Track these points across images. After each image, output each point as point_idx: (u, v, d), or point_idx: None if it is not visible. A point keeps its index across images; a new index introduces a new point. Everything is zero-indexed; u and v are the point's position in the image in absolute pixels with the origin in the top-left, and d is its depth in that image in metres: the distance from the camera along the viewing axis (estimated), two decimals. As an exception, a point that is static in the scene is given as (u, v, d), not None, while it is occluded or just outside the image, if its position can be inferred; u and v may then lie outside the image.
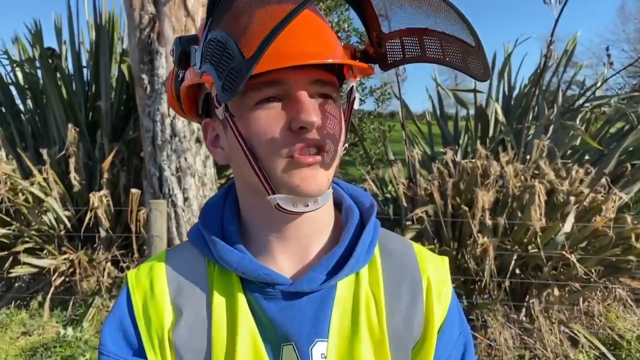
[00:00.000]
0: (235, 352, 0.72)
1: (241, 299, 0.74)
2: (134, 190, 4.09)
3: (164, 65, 4.18)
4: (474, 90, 5.49)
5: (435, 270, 0.82)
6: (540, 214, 3.52)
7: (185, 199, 4.24)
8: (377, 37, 0.75)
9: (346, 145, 0.76)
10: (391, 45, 0.74)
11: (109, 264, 4.49)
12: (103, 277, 4.35)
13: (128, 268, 4.42)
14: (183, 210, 4.21)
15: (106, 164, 4.62)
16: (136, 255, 4.31)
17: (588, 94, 5.70)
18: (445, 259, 0.85)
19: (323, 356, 0.73)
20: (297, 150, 0.67)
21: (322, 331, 0.73)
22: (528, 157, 4.19)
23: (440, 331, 0.79)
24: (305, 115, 0.65)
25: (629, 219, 3.64)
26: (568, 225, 3.58)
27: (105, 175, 4.64)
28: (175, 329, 0.74)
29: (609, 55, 5.81)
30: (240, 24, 0.60)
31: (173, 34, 4.14)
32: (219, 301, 0.74)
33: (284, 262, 0.77)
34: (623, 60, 26.53)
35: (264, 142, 0.68)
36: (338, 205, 0.84)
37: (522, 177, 3.88)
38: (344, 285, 0.76)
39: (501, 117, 5.03)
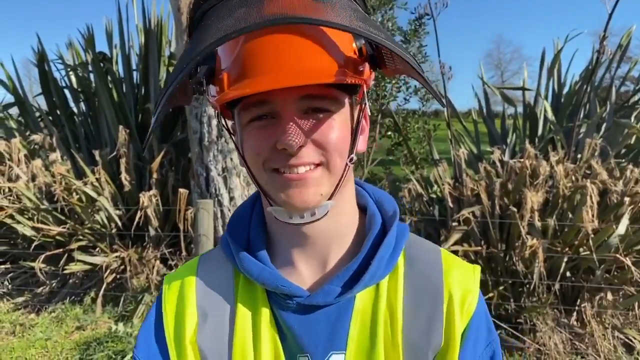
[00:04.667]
0: None
1: (264, 309, 0.76)
2: (181, 190, 4.19)
3: (211, 67, 4.24)
4: (522, 88, 5.36)
5: (459, 280, 0.79)
6: (593, 215, 3.41)
7: (231, 199, 4.31)
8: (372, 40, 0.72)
9: (353, 156, 0.72)
10: (385, 50, 0.71)
11: (157, 261, 4.62)
12: (152, 274, 4.47)
13: (176, 266, 4.53)
14: (229, 210, 4.28)
15: (155, 164, 4.75)
16: (184, 253, 4.41)
17: (644, 90, 5.50)
18: (477, 268, 0.83)
19: None
20: (280, 165, 0.68)
21: (338, 344, 0.74)
22: (579, 156, 4.07)
23: (464, 342, 0.76)
24: (285, 138, 0.65)
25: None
26: (622, 227, 3.46)
27: (155, 176, 4.77)
28: (200, 333, 0.77)
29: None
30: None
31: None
32: (243, 310, 0.76)
33: (306, 271, 0.78)
34: (681, 54, 25.36)
35: (252, 158, 0.70)
36: (364, 210, 0.84)
37: (573, 177, 3.76)
38: (363, 297, 0.76)
39: (550, 116, 4.90)
